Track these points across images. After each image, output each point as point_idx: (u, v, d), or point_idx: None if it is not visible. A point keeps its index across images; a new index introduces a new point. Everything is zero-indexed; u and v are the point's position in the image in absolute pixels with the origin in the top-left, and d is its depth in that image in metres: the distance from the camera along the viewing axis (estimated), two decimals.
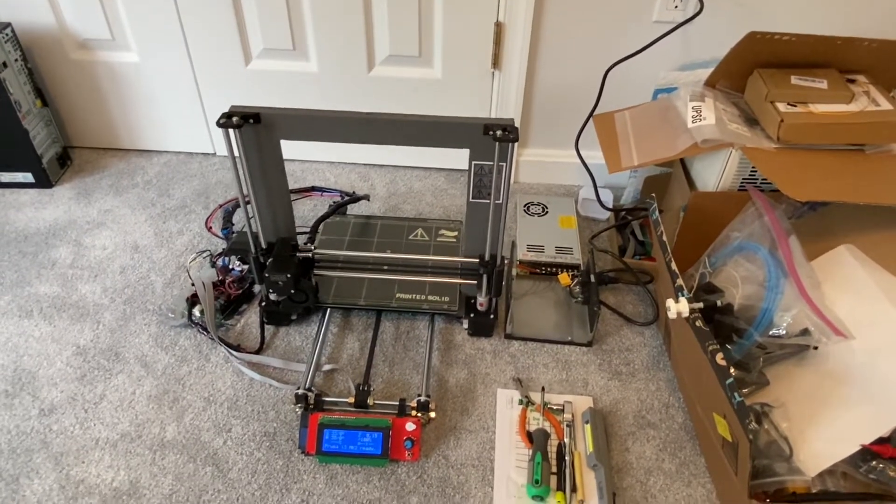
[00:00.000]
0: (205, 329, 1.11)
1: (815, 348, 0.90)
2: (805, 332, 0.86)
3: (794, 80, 1.03)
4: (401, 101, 1.43)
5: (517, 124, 1.42)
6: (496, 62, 1.35)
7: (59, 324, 1.13)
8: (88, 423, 0.98)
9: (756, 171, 1.03)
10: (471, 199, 0.99)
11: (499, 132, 0.88)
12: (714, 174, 1.06)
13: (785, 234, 0.92)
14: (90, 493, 0.89)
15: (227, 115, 0.89)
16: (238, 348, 1.09)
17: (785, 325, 0.86)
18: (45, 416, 0.99)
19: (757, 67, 1.06)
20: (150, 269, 1.25)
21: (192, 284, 1.15)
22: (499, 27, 1.29)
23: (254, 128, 0.92)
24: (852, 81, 1.04)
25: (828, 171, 0.96)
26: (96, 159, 1.55)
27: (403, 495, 0.90)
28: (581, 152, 1.31)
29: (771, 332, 0.87)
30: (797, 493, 0.79)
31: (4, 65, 1.30)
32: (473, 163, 0.95)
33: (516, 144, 0.91)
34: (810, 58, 1.04)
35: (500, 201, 0.96)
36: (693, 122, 1.04)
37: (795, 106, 1.00)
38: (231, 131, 0.90)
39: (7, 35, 1.31)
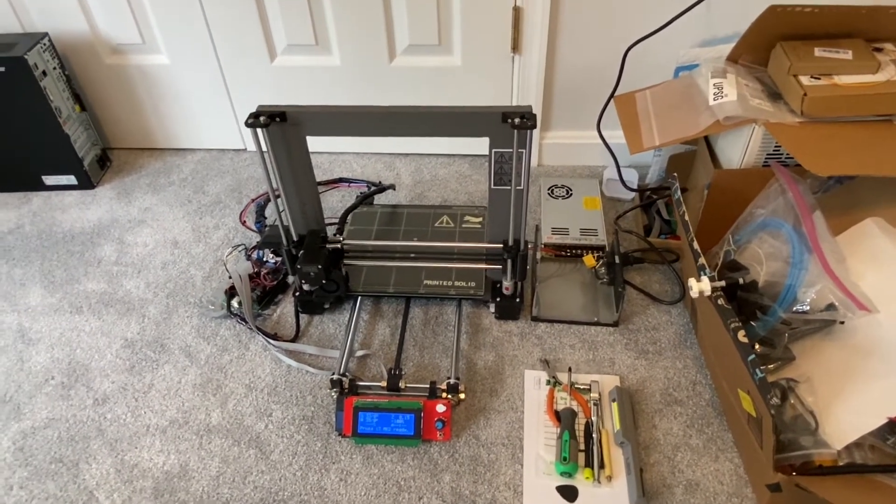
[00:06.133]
0: (243, 319, 1.16)
1: (842, 323, 0.90)
2: (830, 307, 0.86)
3: (817, 51, 1.01)
4: (423, 90, 1.45)
5: (539, 107, 1.43)
6: (516, 46, 1.35)
7: (107, 318, 1.20)
8: (139, 411, 1.04)
9: (781, 147, 1.02)
10: (492, 186, 1.01)
11: (517, 120, 0.89)
12: (738, 151, 1.06)
13: (809, 210, 0.92)
14: (144, 476, 0.95)
15: (255, 115, 0.93)
16: (275, 337, 1.14)
17: (809, 300, 0.86)
18: (100, 406, 1.05)
19: (779, 40, 1.05)
20: (190, 264, 1.31)
21: (230, 277, 1.20)
22: (517, 11, 1.29)
23: (280, 126, 0.96)
24: (879, 50, 1.02)
25: (853, 144, 0.95)
26: (134, 159, 1.61)
27: (436, 473, 0.94)
28: (604, 133, 1.31)
29: (795, 308, 0.87)
30: (823, 465, 0.80)
31: (44, 73, 1.36)
32: (494, 150, 0.96)
33: (535, 131, 0.93)
34: (834, 28, 1.02)
35: (522, 187, 0.98)
36: (715, 99, 1.04)
37: (819, 78, 0.99)
38: (259, 130, 0.94)
39: (45, 45, 1.37)
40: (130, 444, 1.00)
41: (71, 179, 1.50)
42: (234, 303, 1.17)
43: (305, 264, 1.06)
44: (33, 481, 0.95)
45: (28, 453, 0.99)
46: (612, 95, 1.25)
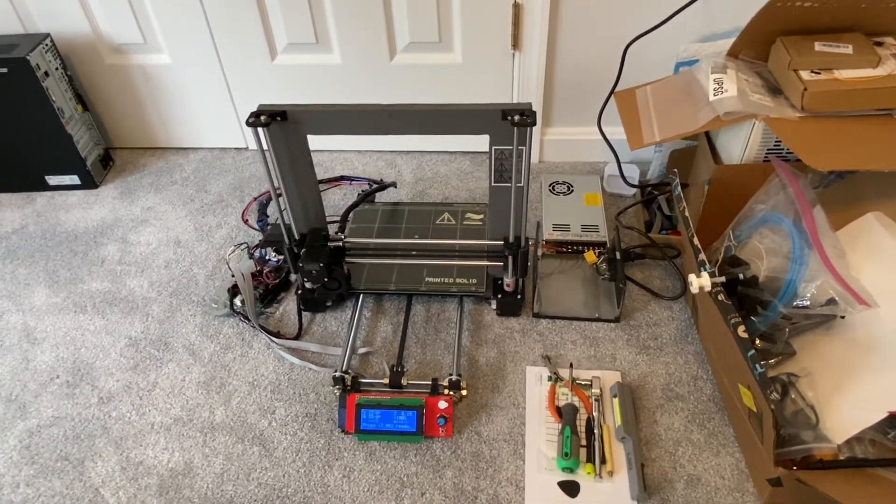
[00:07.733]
0: (246, 318, 1.17)
1: (843, 317, 0.90)
2: (831, 301, 0.86)
3: (817, 46, 1.01)
4: (423, 87, 1.45)
5: (539, 104, 1.43)
6: (516, 43, 1.35)
7: (111, 317, 1.21)
8: (144, 410, 1.05)
9: (781, 142, 1.02)
10: (493, 184, 1.01)
11: (516, 117, 0.90)
12: (738, 146, 1.06)
13: (809, 205, 0.92)
14: (149, 474, 0.96)
15: (256, 115, 0.93)
16: (278, 335, 1.15)
17: (809, 295, 0.86)
18: (104, 404, 1.06)
19: (780, 35, 1.04)
20: (193, 263, 1.31)
21: (233, 276, 1.20)
22: (517, 8, 1.29)
23: (281, 125, 0.96)
24: (880, 44, 1.02)
25: (854, 139, 0.95)
26: (136, 159, 1.62)
27: (439, 469, 0.94)
28: (605, 129, 1.31)
29: (796, 303, 0.87)
30: (824, 460, 0.80)
31: (46, 74, 1.37)
32: (494, 148, 0.97)
33: (536, 127, 0.93)
34: (835, 23, 1.02)
35: (522, 184, 0.98)
36: (715, 95, 1.04)
37: (819, 73, 0.99)
38: (260, 129, 0.94)
39: (47, 45, 1.38)
40: (135, 441, 1.00)
41: (74, 179, 1.51)
42: (237, 301, 1.18)
43: (307, 262, 1.06)
44: (39, 479, 0.96)
45: (34, 451, 1.00)
46: (612, 91, 1.26)
